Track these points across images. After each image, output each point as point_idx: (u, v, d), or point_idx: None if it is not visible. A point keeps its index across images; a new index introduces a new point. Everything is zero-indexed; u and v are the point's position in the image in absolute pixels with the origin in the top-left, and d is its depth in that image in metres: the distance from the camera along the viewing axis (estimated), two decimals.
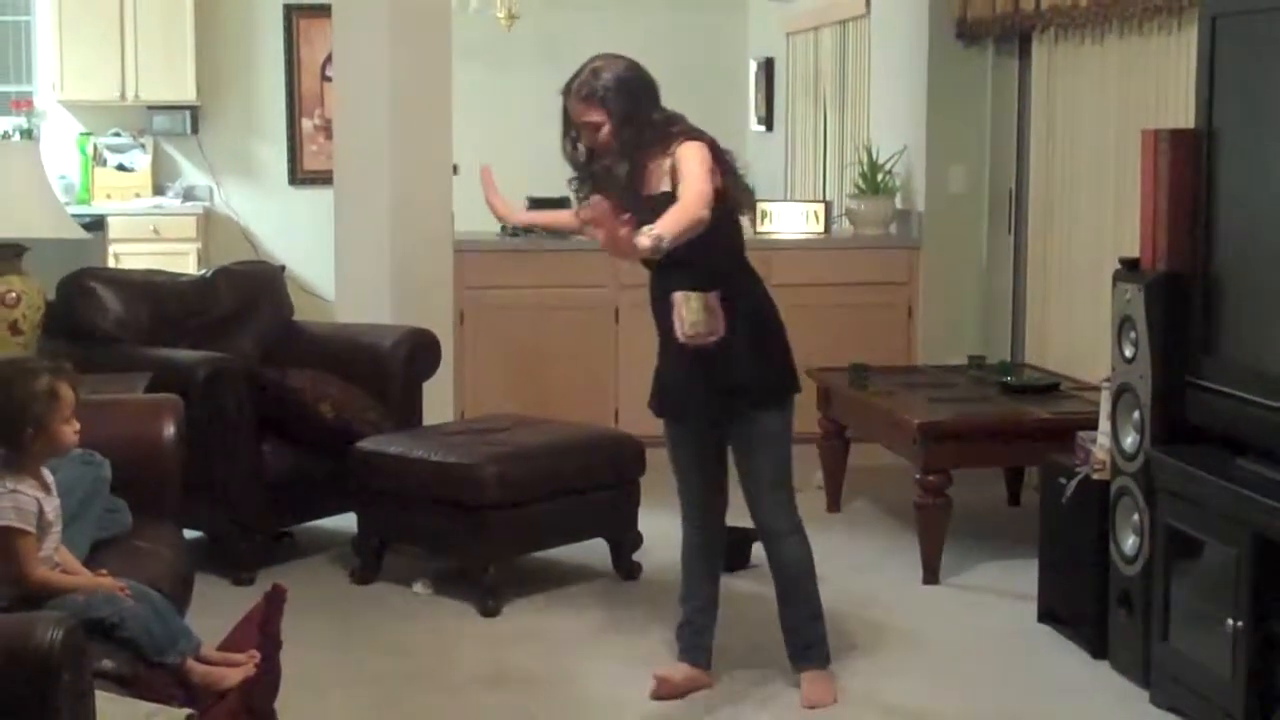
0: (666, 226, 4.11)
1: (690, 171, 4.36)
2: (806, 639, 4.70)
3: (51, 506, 3.72)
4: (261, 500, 5.68)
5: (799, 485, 6.88)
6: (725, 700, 4.64)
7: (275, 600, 3.93)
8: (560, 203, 8.09)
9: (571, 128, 4.55)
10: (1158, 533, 4.54)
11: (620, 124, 4.45)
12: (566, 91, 4.52)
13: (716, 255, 4.47)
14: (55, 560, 3.73)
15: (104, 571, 3.76)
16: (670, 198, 4.35)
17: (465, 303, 7.53)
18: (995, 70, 7.59)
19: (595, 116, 4.46)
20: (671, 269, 4.39)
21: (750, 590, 5.58)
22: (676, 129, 4.49)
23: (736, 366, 4.50)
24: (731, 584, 5.71)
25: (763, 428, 4.58)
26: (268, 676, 3.84)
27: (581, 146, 4.55)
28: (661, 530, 5.91)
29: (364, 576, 5.66)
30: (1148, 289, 4.64)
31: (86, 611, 3.55)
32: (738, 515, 6.11)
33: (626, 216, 4.13)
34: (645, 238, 4.06)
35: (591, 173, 4.56)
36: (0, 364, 4.06)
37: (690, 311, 4.38)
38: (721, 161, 4.49)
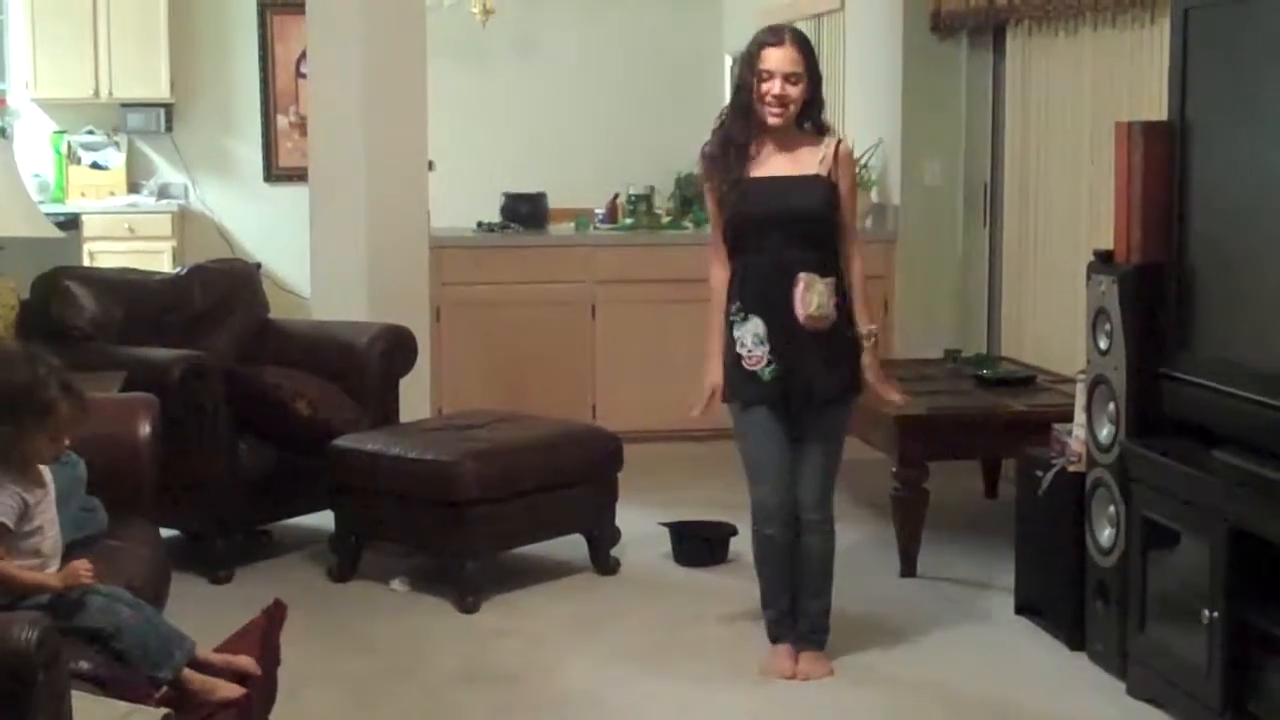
0: (869, 312, 4.79)
1: (850, 192, 4.77)
2: (816, 625, 4.84)
3: (38, 496, 3.68)
4: (238, 498, 5.67)
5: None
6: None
7: (276, 615, 3.91)
8: (536, 198, 8.13)
9: (756, 80, 4.62)
10: (1133, 524, 4.56)
11: (814, 84, 4.69)
12: (777, 39, 4.65)
13: (833, 245, 4.74)
14: (42, 551, 3.69)
15: (86, 564, 3.70)
16: (821, 182, 4.65)
17: (441, 299, 7.53)
18: (970, 63, 7.60)
19: (800, 69, 4.62)
20: (795, 248, 4.64)
21: (733, 585, 5.58)
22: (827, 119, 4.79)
23: (838, 353, 4.71)
24: (711, 579, 5.73)
25: (840, 420, 4.80)
26: (265, 691, 3.83)
27: (756, 107, 4.64)
28: (639, 526, 5.93)
29: (342, 574, 5.66)
30: (1122, 281, 4.65)
31: (83, 621, 3.54)
32: (716, 510, 6.14)
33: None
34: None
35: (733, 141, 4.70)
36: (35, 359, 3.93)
37: (816, 294, 4.61)
38: None
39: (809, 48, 4.71)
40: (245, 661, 3.72)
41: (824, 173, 4.69)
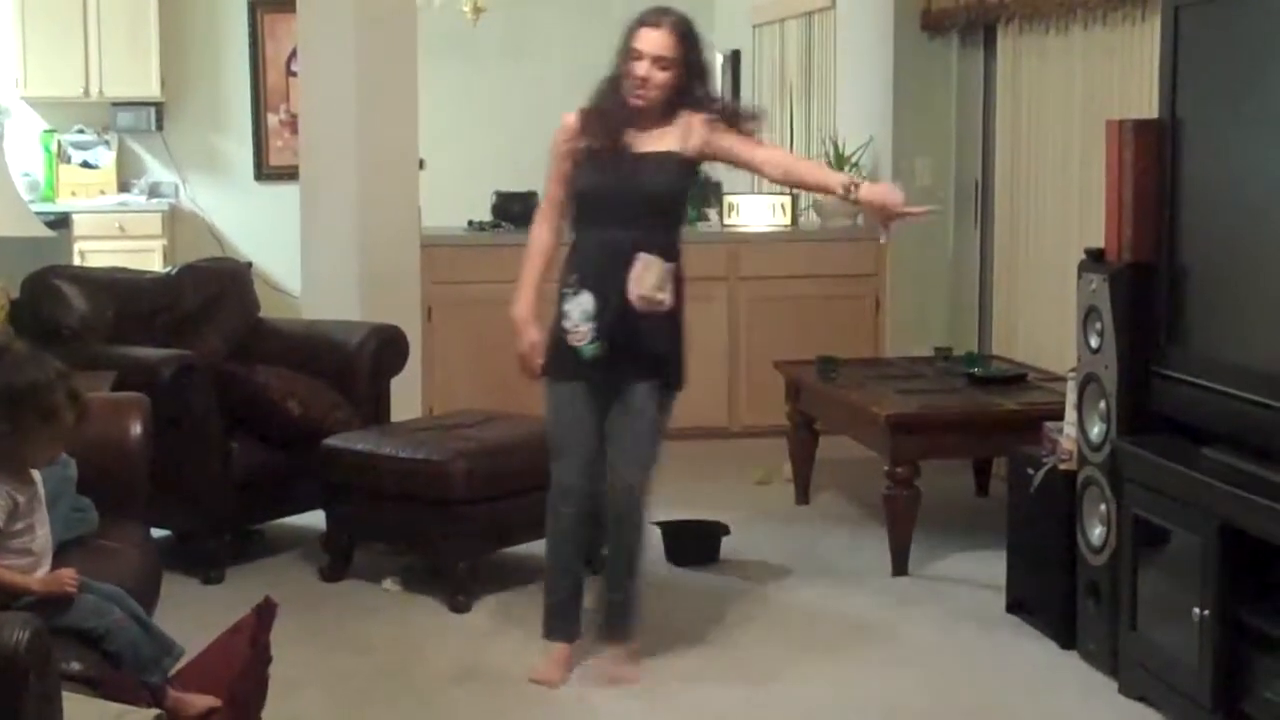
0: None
1: (742, 139, 4.66)
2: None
3: (27, 495, 3.67)
4: (229, 498, 5.66)
5: (768, 478, 6.96)
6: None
7: (265, 614, 3.90)
8: (528, 196, 8.11)
9: (631, 58, 4.57)
10: (1124, 522, 4.56)
11: (689, 75, 4.63)
12: (655, 21, 4.59)
13: (678, 231, 4.70)
14: (32, 551, 3.68)
15: (72, 573, 3.70)
16: (675, 160, 4.59)
17: (433, 298, 7.52)
18: (960, 62, 7.61)
19: (671, 54, 4.57)
20: (639, 228, 4.57)
21: (726, 584, 5.58)
22: (714, 105, 4.72)
23: (664, 339, 4.63)
24: (702, 578, 5.73)
25: (661, 400, 4.68)
26: (256, 690, 3.83)
27: (623, 85, 4.60)
28: None
29: (333, 573, 5.65)
30: (1113, 279, 4.65)
31: (74, 621, 3.54)
32: (709, 510, 6.14)
33: None
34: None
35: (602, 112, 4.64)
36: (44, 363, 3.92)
37: (653, 274, 4.54)
38: None
39: (690, 36, 4.63)
40: (207, 701, 3.71)
41: (682, 148, 4.61)
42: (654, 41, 4.56)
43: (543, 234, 4.78)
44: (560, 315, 4.65)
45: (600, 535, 4.85)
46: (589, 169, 4.64)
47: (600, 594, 4.89)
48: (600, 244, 4.60)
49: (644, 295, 4.54)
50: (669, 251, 4.62)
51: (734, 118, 4.71)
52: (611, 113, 4.62)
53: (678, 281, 4.64)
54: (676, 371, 4.71)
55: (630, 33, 4.61)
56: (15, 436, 3.63)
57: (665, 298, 4.58)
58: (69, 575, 3.60)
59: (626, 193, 4.58)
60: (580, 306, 4.60)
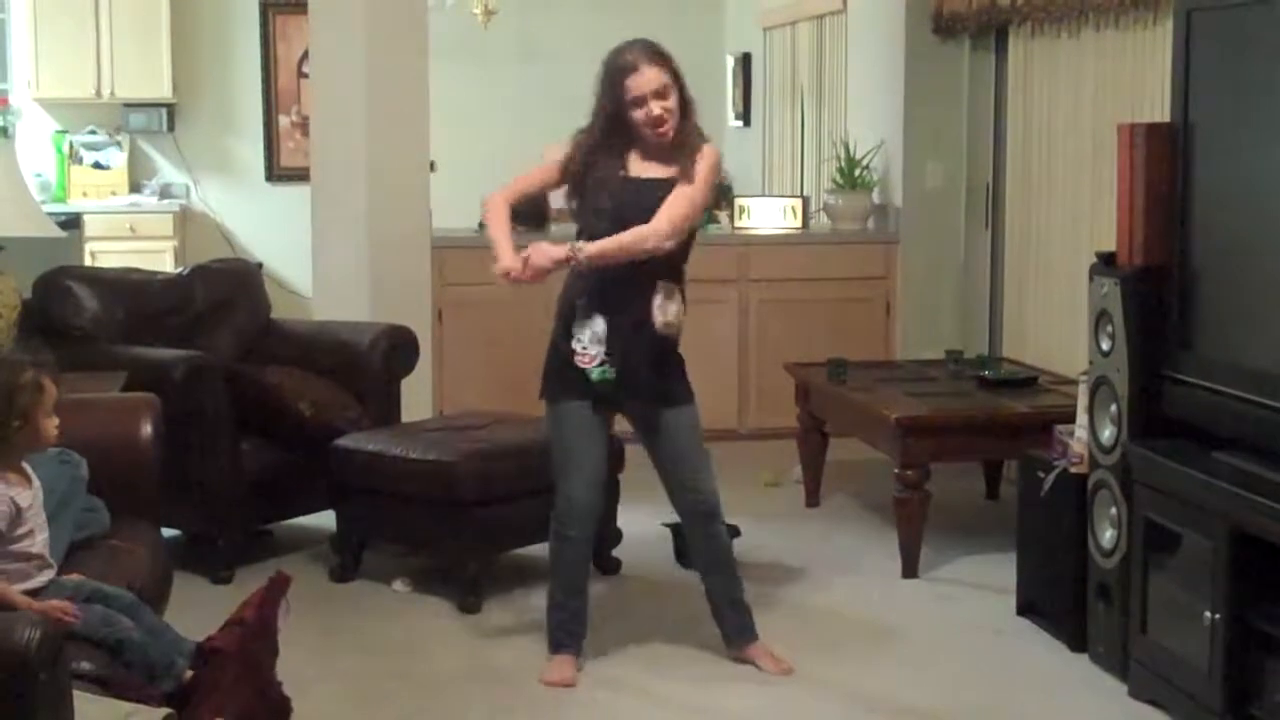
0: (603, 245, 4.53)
1: (702, 179, 4.60)
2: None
3: (28, 499, 3.69)
4: (240, 498, 5.67)
5: (778, 480, 6.96)
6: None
7: (276, 586, 3.99)
8: (538, 198, 8.10)
9: (635, 107, 4.55)
10: (1135, 526, 4.56)
11: (683, 93, 4.62)
12: (633, 63, 4.55)
13: (686, 257, 4.72)
14: (32, 554, 3.69)
15: (70, 608, 3.69)
16: (672, 184, 4.58)
17: (443, 299, 7.53)
18: (972, 65, 7.60)
19: (666, 80, 4.56)
20: (654, 255, 4.56)
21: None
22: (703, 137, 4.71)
23: (671, 365, 4.70)
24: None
25: (691, 416, 4.75)
26: (267, 647, 3.91)
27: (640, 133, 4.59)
28: (641, 526, 5.93)
29: (343, 574, 5.66)
30: (1124, 283, 4.65)
31: (85, 632, 3.55)
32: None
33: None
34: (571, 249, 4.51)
35: (587, 163, 4.64)
36: None
37: (674, 303, 4.61)
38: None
39: (664, 54, 4.62)
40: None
41: (673, 175, 4.62)
42: (649, 80, 4.55)
43: (501, 203, 4.77)
44: (565, 336, 4.67)
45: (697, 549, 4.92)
46: (601, 193, 4.64)
47: (716, 601, 4.88)
48: (616, 269, 4.58)
49: (669, 323, 4.61)
50: (680, 278, 4.68)
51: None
52: (615, 144, 4.63)
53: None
54: (685, 388, 4.75)
55: (617, 82, 4.57)
56: (2, 442, 3.67)
57: (681, 327, 4.66)
58: (65, 610, 3.57)
59: (643, 218, 4.56)
60: (591, 330, 4.62)
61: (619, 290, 4.59)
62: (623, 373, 4.61)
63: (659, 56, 4.60)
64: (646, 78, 4.55)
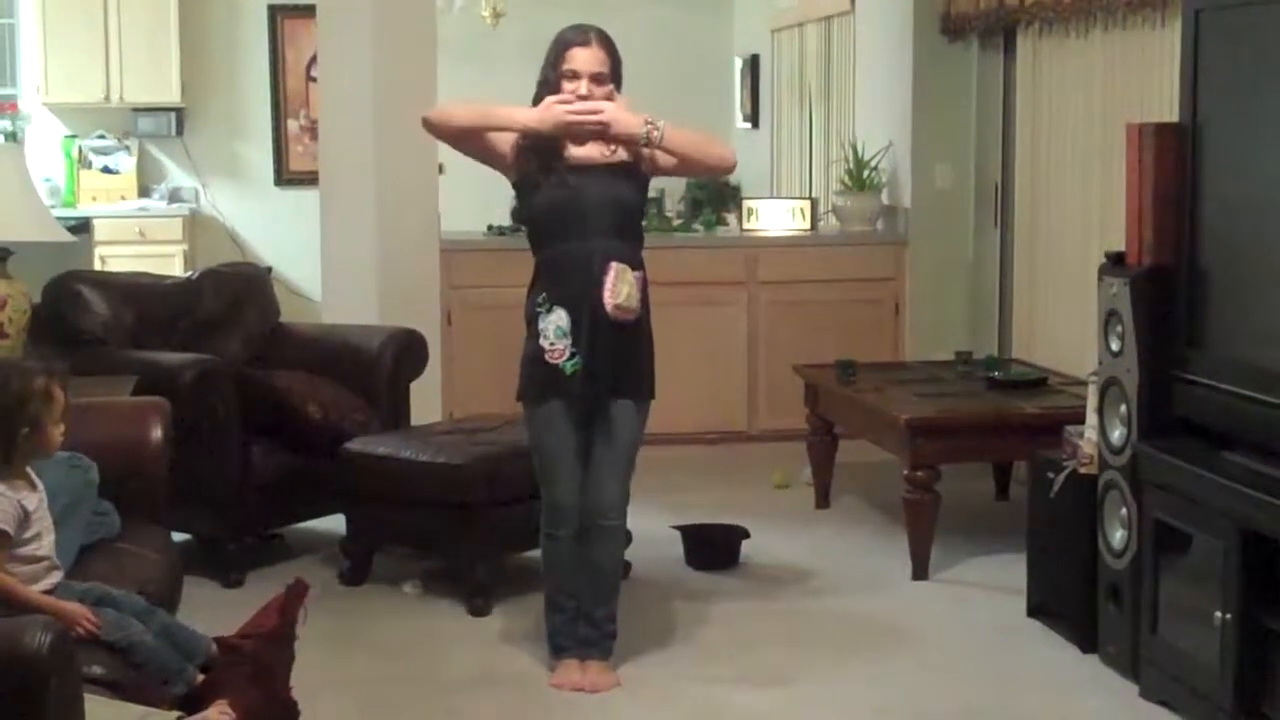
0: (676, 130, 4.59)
1: (674, 128, 4.62)
2: (605, 632, 4.78)
3: (34, 502, 3.70)
4: (250, 502, 5.67)
5: (788, 482, 6.95)
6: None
7: (295, 592, 4.00)
8: None
9: (560, 78, 4.61)
10: (1145, 526, 4.55)
11: (616, 81, 4.67)
12: (583, 38, 4.64)
13: (641, 239, 4.73)
14: (40, 556, 3.70)
15: (89, 615, 3.69)
16: (631, 169, 4.64)
17: (452, 302, 7.53)
18: (980, 65, 7.60)
19: (606, 69, 4.63)
20: (608, 237, 4.57)
21: (745, 588, 5.58)
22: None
23: (639, 350, 4.67)
24: (722, 582, 5.73)
25: (637, 420, 4.70)
26: (284, 654, 3.91)
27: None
28: (650, 529, 5.92)
29: (353, 577, 5.66)
30: (1133, 283, 4.64)
31: (97, 635, 3.55)
32: (726, 514, 6.14)
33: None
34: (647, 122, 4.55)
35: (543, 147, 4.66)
36: None
37: (626, 284, 4.55)
38: None
39: (615, 48, 4.68)
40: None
41: (633, 157, 4.67)
42: (588, 59, 4.61)
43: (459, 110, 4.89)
44: (535, 335, 4.65)
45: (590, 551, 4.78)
46: (544, 186, 4.64)
47: (578, 605, 4.79)
48: (569, 258, 4.59)
49: (620, 305, 4.55)
50: (636, 260, 4.64)
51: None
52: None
53: (644, 290, 4.66)
54: (650, 383, 4.73)
55: (561, 53, 4.65)
56: (10, 448, 3.68)
57: (636, 307, 4.60)
58: (85, 617, 3.59)
59: (593, 203, 4.59)
60: (555, 324, 4.60)
61: (575, 278, 4.57)
62: (586, 361, 4.58)
63: (610, 46, 4.66)
64: (593, 56, 4.62)
